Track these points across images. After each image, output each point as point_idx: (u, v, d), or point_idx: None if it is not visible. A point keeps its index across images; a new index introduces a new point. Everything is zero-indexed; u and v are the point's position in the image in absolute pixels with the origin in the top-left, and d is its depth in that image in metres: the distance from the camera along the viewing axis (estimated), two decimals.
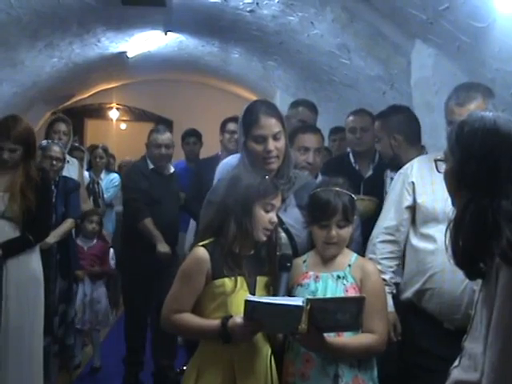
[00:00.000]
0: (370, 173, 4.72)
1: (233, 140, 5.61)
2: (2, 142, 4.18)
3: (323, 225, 2.79)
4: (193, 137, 7.18)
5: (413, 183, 3.32)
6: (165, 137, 5.63)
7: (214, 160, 5.08)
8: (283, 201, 2.92)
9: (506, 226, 1.85)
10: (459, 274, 2.12)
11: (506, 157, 1.93)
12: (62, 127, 5.80)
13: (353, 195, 2.86)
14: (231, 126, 5.67)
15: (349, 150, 4.99)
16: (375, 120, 4.40)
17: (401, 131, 3.90)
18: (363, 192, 4.34)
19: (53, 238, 4.83)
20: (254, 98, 9.62)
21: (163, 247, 5.25)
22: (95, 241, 6.14)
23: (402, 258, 3.38)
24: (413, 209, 3.32)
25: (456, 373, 2.10)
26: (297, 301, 2.49)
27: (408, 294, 3.26)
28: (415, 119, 3.98)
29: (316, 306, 2.46)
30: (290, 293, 2.76)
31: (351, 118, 4.92)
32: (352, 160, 4.84)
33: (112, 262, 6.69)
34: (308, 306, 2.44)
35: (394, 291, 3.30)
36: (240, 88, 11.24)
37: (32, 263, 4.29)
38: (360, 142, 4.78)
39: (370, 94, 6.55)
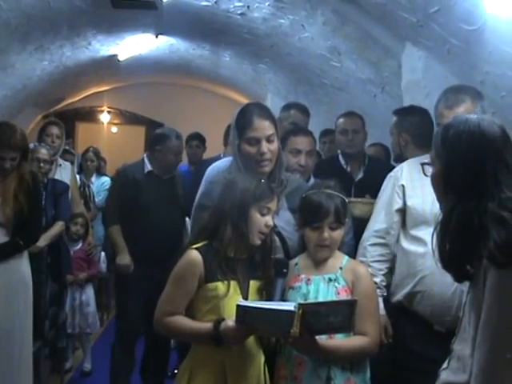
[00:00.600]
0: (360, 175, 4.72)
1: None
2: (4, 153, 4.17)
3: (315, 227, 2.79)
4: (196, 140, 7.25)
5: (403, 186, 3.32)
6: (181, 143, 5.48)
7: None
8: None
9: (492, 228, 1.86)
10: (449, 277, 2.13)
11: (492, 159, 1.94)
12: (55, 130, 5.79)
13: (344, 197, 2.86)
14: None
15: (339, 152, 4.98)
16: (394, 115, 4.32)
17: (410, 132, 3.88)
18: (354, 194, 4.34)
19: (43, 241, 4.82)
20: (245, 100, 9.64)
21: (122, 259, 5.00)
22: (81, 244, 6.08)
23: (392, 260, 3.38)
24: (403, 212, 3.32)
25: (445, 375, 2.11)
26: (289, 305, 2.49)
27: (399, 296, 3.27)
28: (429, 123, 3.96)
29: (308, 310, 2.46)
30: (282, 296, 2.76)
31: (342, 120, 4.92)
32: (342, 162, 4.83)
33: (103, 266, 6.69)
34: (300, 311, 2.44)
35: (385, 294, 3.30)
36: (231, 91, 11.24)
37: (21, 267, 4.28)
38: (351, 144, 4.79)
39: (360, 96, 6.56)
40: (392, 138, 4.20)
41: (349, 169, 4.80)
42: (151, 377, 5.30)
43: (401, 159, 3.93)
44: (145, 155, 5.29)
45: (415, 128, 3.89)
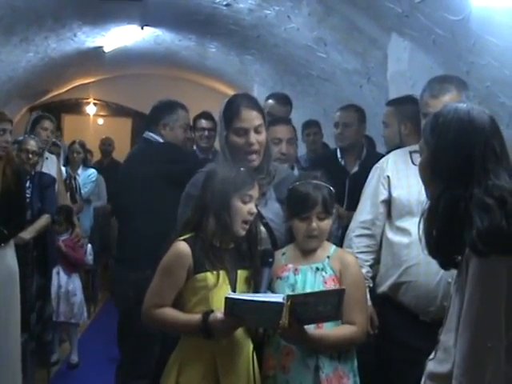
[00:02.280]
0: (355, 169, 4.72)
1: (204, 137, 5.58)
2: (4, 125, 4.27)
3: (303, 217, 2.79)
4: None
5: (388, 177, 3.34)
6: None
7: None
8: (263, 195, 2.93)
9: (476, 215, 1.87)
10: (434, 267, 2.14)
11: (480, 146, 1.95)
12: (50, 125, 5.84)
13: (331, 188, 2.86)
14: (202, 123, 5.64)
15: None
16: (389, 106, 4.29)
17: (414, 120, 3.87)
18: (348, 188, 4.36)
19: (29, 233, 4.81)
20: (231, 92, 9.61)
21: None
22: (67, 235, 6.06)
23: (378, 251, 3.39)
24: (388, 203, 3.34)
25: (431, 365, 2.12)
26: (277, 297, 2.49)
27: (384, 287, 3.28)
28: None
29: (297, 302, 2.47)
30: (269, 285, 2.76)
31: (337, 113, 4.94)
32: (339, 155, 4.85)
33: (90, 258, 6.67)
34: (289, 302, 2.44)
35: (371, 285, 3.32)
36: (217, 82, 11.22)
37: (7, 259, 4.27)
38: (341, 138, 4.80)
39: (347, 87, 6.56)
40: (387, 130, 4.18)
41: (343, 162, 4.81)
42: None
43: None
44: (145, 137, 4.52)
45: (418, 116, 3.89)
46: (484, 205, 1.87)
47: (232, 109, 2.96)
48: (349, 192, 4.42)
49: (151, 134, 4.45)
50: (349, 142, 4.79)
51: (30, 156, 5.13)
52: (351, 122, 4.77)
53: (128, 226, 4.31)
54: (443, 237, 1.96)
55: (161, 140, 4.41)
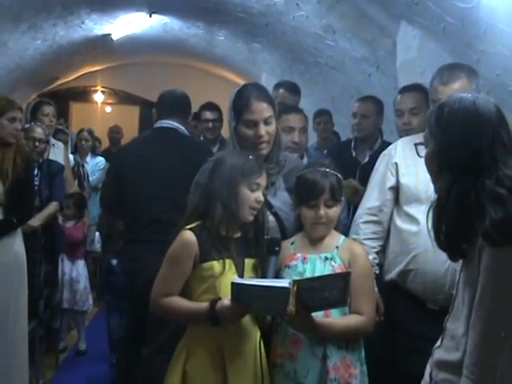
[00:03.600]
0: (366, 159, 4.71)
1: (209, 128, 5.57)
2: (15, 113, 4.28)
3: (311, 205, 2.79)
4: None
5: (396, 164, 3.33)
6: None
7: None
8: (272, 184, 2.92)
9: (489, 205, 1.86)
10: (442, 255, 2.13)
11: (488, 136, 1.94)
12: (51, 110, 5.81)
13: (339, 175, 2.85)
14: (206, 115, 5.63)
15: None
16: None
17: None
18: (359, 178, 4.34)
19: (37, 221, 4.82)
20: (239, 80, 9.61)
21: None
22: (74, 222, 6.09)
23: (385, 238, 3.39)
24: (396, 189, 3.33)
25: (438, 353, 2.12)
26: (283, 282, 2.49)
27: (392, 274, 3.28)
28: None
29: (303, 287, 2.47)
30: (277, 274, 2.76)
31: (356, 103, 4.92)
32: (352, 145, 4.86)
33: (98, 246, 6.69)
34: (295, 287, 2.44)
35: (377, 272, 3.31)
36: (225, 70, 11.20)
37: (15, 246, 4.28)
38: (358, 128, 4.80)
39: (355, 75, 6.53)
40: (401, 118, 4.12)
41: (355, 153, 4.81)
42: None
43: None
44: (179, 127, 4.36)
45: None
46: (497, 195, 1.86)
47: (242, 100, 2.94)
48: (359, 183, 4.42)
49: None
50: (365, 133, 4.79)
51: (37, 144, 5.14)
52: (369, 114, 4.76)
53: None
54: (454, 228, 1.95)
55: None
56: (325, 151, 5.69)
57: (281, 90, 4.95)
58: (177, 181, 3.87)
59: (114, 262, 5.41)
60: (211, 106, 5.69)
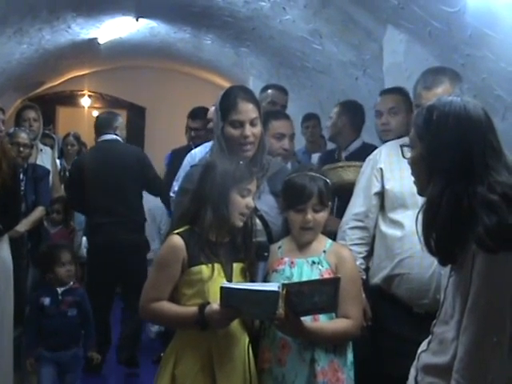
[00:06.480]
0: None
1: (193, 137, 5.54)
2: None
3: (299, 209, 2.79)
4: None
5: (381, 169, 3.33)
6: None
7: (186, 151, 4.97)
8: (257, 188, 2.93)
9: (482, 212, 1.85)
10: (427, 260, 2.13)
11: (479, 141, 1.93)
12: (32, 114, 5.76)
13: (327, 180, 2.86)
14: (189, 123, 5.64)
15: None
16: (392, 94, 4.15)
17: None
18: None
19: (23, 226, 4.80)
20: (226, 84, 9.57)
21: None
22: (60, 227, 6.05)
23: (371, 244, 3.39)
24: (381, 195, 3.33)
25: (425, 357, 2.11)
26: (272, 286, 2.49)
27: (377, 279, 3.28)
28: None
29: (292, 291, 2.47)
30: (265, 279, 2.76)
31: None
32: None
33: (84, 251, 6.64)
34: (284, 291, 2.44)
35: (364, 277, 3.31)
36: (213, 75, 11.19)
37: (1, 252, 4.25)
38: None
39: (342, 79, 6.55)
40: (380, 119, 4.11)
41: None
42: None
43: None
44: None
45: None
46: (489, 201, 1.86)
47: (229, 101, 2.96)
48: None
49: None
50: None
51: (21, 149, 5.12)
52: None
53: None
54: (446, 233, 1.94)
55: None
56: (312, 155, 5.70)
57: (270, 91, 4.93)
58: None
59: None
60: (194, 114, 5.65)
